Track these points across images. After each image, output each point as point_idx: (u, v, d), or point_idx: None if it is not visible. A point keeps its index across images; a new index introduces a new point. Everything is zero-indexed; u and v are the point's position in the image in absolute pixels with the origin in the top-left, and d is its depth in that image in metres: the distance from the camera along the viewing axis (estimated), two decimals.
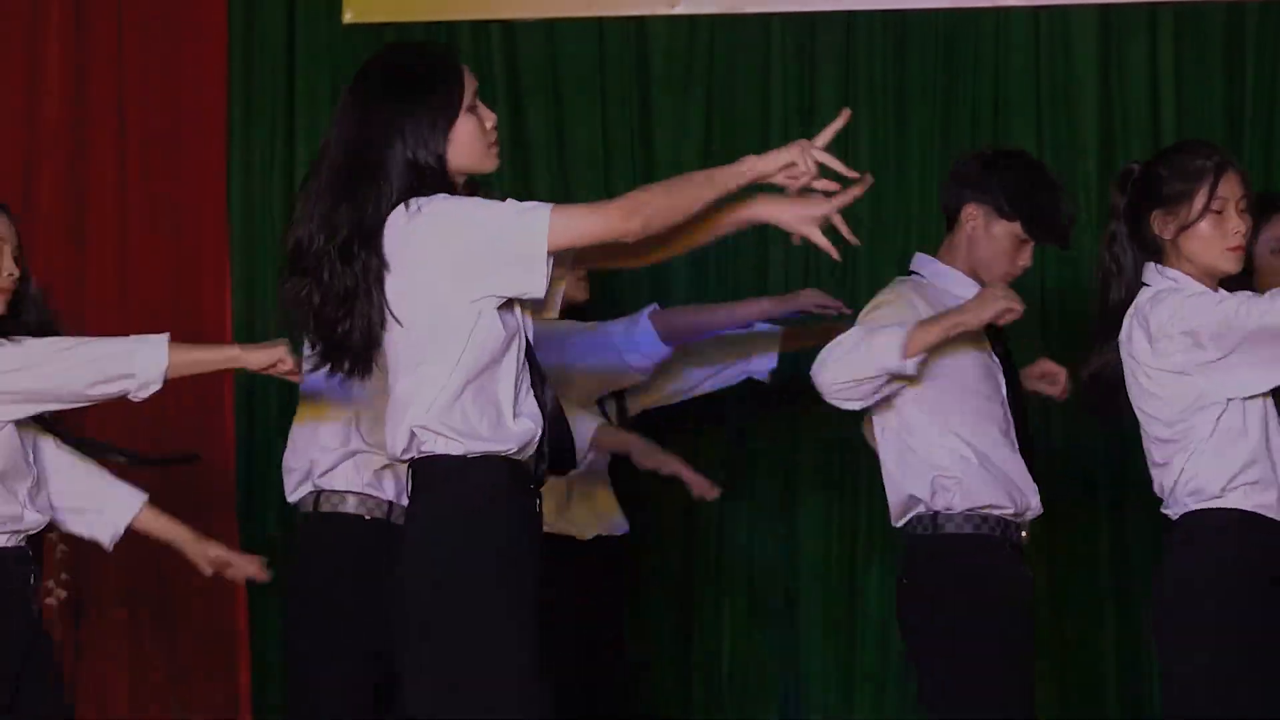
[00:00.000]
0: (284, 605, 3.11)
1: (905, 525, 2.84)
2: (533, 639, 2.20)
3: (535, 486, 2.29)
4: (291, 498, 3.06)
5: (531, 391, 2.29)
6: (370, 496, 2.99)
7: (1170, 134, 3.65)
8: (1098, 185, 3.63)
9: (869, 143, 3.76)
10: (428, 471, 2.22)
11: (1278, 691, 2.41)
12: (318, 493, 3.01)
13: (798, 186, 2.23)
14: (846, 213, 2.25)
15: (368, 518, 2.99)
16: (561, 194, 3.62)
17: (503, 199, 2.16)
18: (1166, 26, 3.75)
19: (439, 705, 2.21)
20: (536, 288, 2.15)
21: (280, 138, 3.78)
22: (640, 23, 3.81)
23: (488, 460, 2.21)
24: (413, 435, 2.18)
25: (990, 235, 2.85)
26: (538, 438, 2.26)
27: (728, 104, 3.87)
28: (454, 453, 2.18)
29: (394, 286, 2.14)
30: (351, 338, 2.19)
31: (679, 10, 3.74)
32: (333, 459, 2.98)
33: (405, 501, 2.39)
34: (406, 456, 2.23)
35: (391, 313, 2.16)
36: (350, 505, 3.01)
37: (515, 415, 2.25)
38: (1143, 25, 3.76)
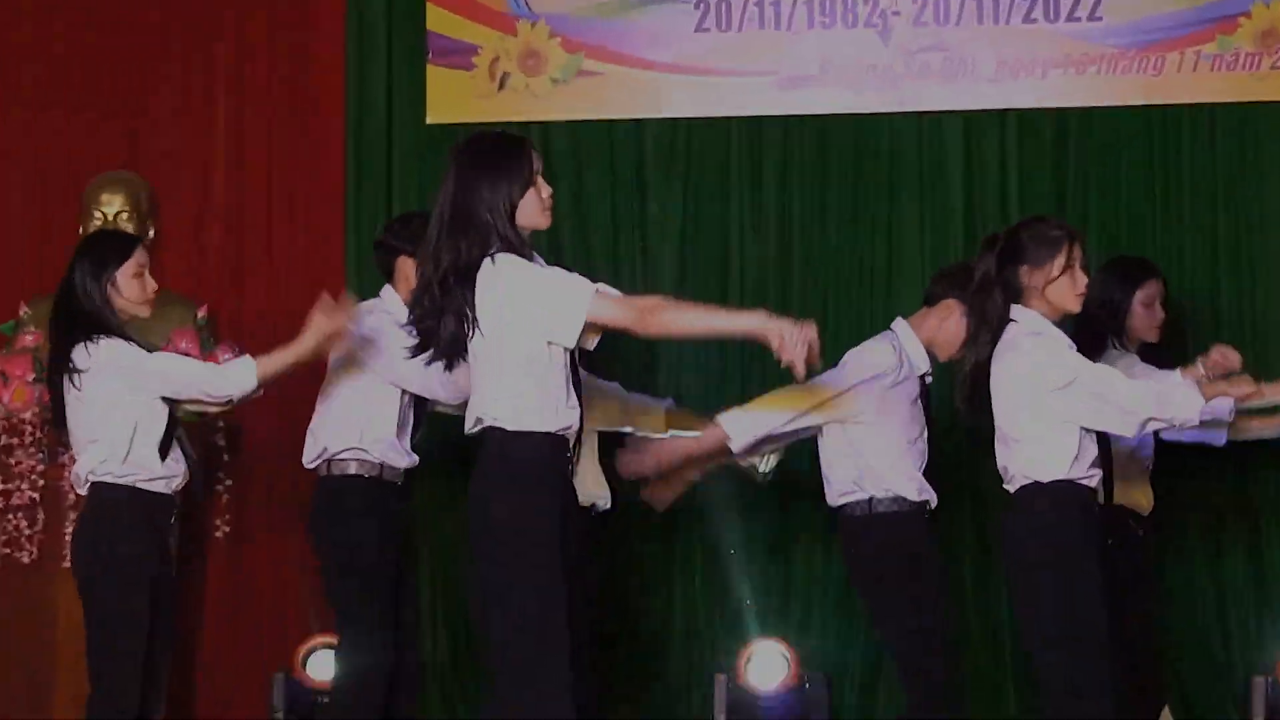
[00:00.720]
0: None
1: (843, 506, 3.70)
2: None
3: (570, 457, 2.88)
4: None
5: (574, 392, 2.84)
6: None
7: (1015, 210, 4.60)
8: (963, 247, 4.59)
9: (800, 217, 4.82)
10: (490, 439, 2.81)
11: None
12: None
13: (783, 359, 2.73)
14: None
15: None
16: (581, 249, 4.75)
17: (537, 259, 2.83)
18: (1012, 129, 4.75)
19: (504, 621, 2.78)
20: (569, 341, 2.75)
21: (381, 206, 4.92)
22: (639, 124, 4.90)
23: (535, 435, 2.79)
24: (479, 420, 2.82)
25: (958, 326, 3.53)
26: (577, 426, 2.85)
27: (701, 182, 4.90)
28: (508, 428, 2.77)
29: (480, 310, 2.74)
30: (443, 338, 2.80)
31: (664, 114, 4.85)
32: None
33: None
34: (474, 430, 2.85)
35: (478, 327, 2.75)
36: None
37: (559, 408, 2.81)
38: (995, 127, 4.76)
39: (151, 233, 4.71)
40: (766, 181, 4.86)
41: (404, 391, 3.67)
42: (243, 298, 4.95)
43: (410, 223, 3.68)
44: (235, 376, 3.43)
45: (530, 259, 2.83)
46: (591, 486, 3.79)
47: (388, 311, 3.66)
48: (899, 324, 3.79)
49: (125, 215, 4.70)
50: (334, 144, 4.97)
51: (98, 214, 4.66)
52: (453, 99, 4.85)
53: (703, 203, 4.91)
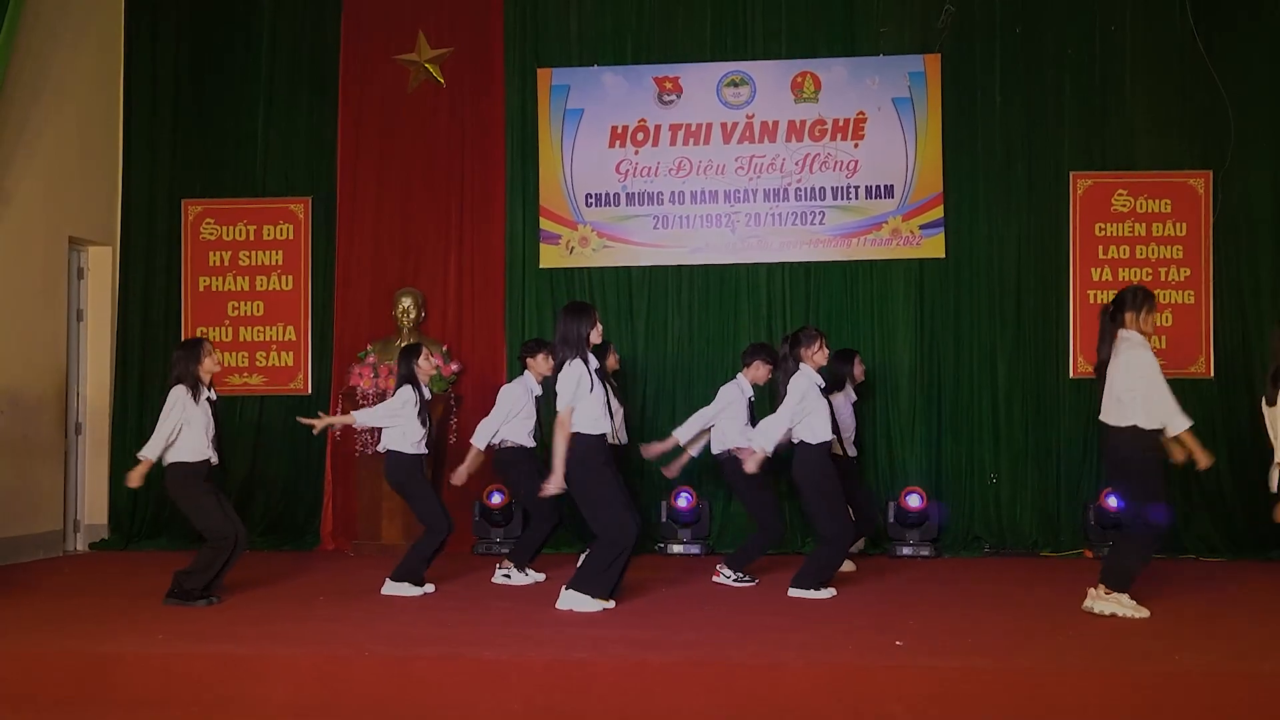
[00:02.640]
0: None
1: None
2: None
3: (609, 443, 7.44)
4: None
5: (608, 411, 7.40)
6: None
7: (789, 314, 10.60)
8: (765, 334, 10.77)
9: (694, 309, 10.81)
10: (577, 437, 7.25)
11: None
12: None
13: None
14: None
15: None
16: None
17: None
18: (787, 271, 10.53)
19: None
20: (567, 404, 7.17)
21: (519, 305, 10.89)
22: (629, 269, 10.75)
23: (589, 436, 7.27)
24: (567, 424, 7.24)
25: (764, 371, 8.81)
26: (611, 428, 7.47)
27: (653, 294, 10.76)
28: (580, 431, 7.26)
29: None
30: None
31: (640, 264, 10.93)
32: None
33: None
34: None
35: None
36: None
37: (599, 419, 7.28)
38: (779, 271, 10.48)
39: (423, 315, 10.88)
40: (682, 296, 10.80)
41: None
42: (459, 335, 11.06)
43: (538, 342, 8.99)
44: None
45: (588, 362, 7.26)
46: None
47: (524, 383, 8.97)
48: (740, 376, 8.85)
49: (412, 308, 10.81)
50: (500, 273, 10.99)
51: (402, 303, 10.80)
52: (550, 257, 10.95)
53: (654, 303, 10.81)
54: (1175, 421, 6.85)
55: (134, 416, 11.02)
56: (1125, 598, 6.89)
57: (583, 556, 8.07)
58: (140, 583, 8.32)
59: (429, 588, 8.17)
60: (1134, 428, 6.82)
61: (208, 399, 7.67)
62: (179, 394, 7.58)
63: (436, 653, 6.09)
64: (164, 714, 5.75)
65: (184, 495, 7.60)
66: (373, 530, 10.26)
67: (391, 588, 8.05)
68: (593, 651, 6.06)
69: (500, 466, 8.91)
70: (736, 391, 8.78)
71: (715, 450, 8.81)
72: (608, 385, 7.94)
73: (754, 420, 8.63)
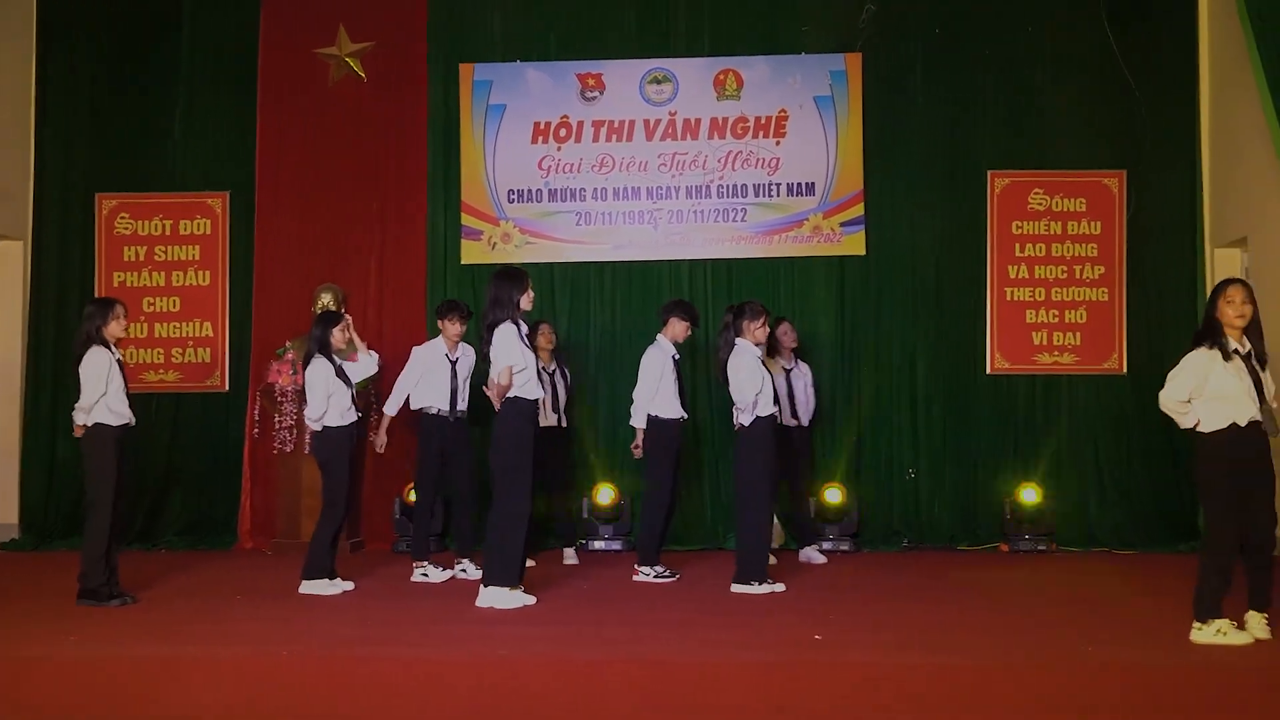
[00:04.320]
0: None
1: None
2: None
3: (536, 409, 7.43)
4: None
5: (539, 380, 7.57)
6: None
7: (712, 301, 10.78)
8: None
9: (615, 300, 10.75)
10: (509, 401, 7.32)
11: None
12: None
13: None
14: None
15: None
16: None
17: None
18: (709, 268, 10.56)
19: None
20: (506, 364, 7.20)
21: (440, 295, 10.94)
22: (552, 265, 10.71)
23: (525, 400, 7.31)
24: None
25: (681, 328, 10.00)
26: (542, 396, 7.68)
27: (576, 287, 10.80)
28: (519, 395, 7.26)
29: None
30: (488, 352, 7.29)
31: (564, 260, 10.92)
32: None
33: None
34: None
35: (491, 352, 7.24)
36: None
37: (534, 385, 7.32)
38: (701, 268, 10.55)
39: (344, 311, 10.81)
40: (605, 293, 10.80)
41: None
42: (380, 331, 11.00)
43: (453, 304, 9.07)
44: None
45: (519, 326, 7.30)
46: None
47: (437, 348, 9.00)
48: (660, 337, 8.67)
49: (331, 304, 10.76)
50: (421, 269, 10.92)
51: (322, 299, 10.74)
52: (472, 253, 10.88)
53: (577, 299, 10.81)
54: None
55: (46, 415, 10.81)
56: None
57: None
58: (52, 583, 8.17)
59: (348, 585, 8.07)
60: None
61: (117, 360, 7.57)
62: (103, 355, 7.46)
63: (357, 652, 6.04)
64: (79, 718, 5.64)
65: (96, 457, 7.46)
66: (292, 528, 10.13)
67: (308, 586, 7.97)
68: (515, 649, 6.04)
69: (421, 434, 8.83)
70: (659, 355, 8.55)
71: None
72: (556, 366, 8.46)
73: (683, 383, 8.61)
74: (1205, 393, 6.12)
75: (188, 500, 10.86)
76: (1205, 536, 6.42)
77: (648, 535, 8.53)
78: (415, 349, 8.97)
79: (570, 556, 9.60)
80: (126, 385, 7.58)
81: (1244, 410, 6.06)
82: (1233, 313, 6.13)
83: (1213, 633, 6.10)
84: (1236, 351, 6.14)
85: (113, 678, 5.82)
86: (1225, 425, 6.08)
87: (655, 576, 8.46)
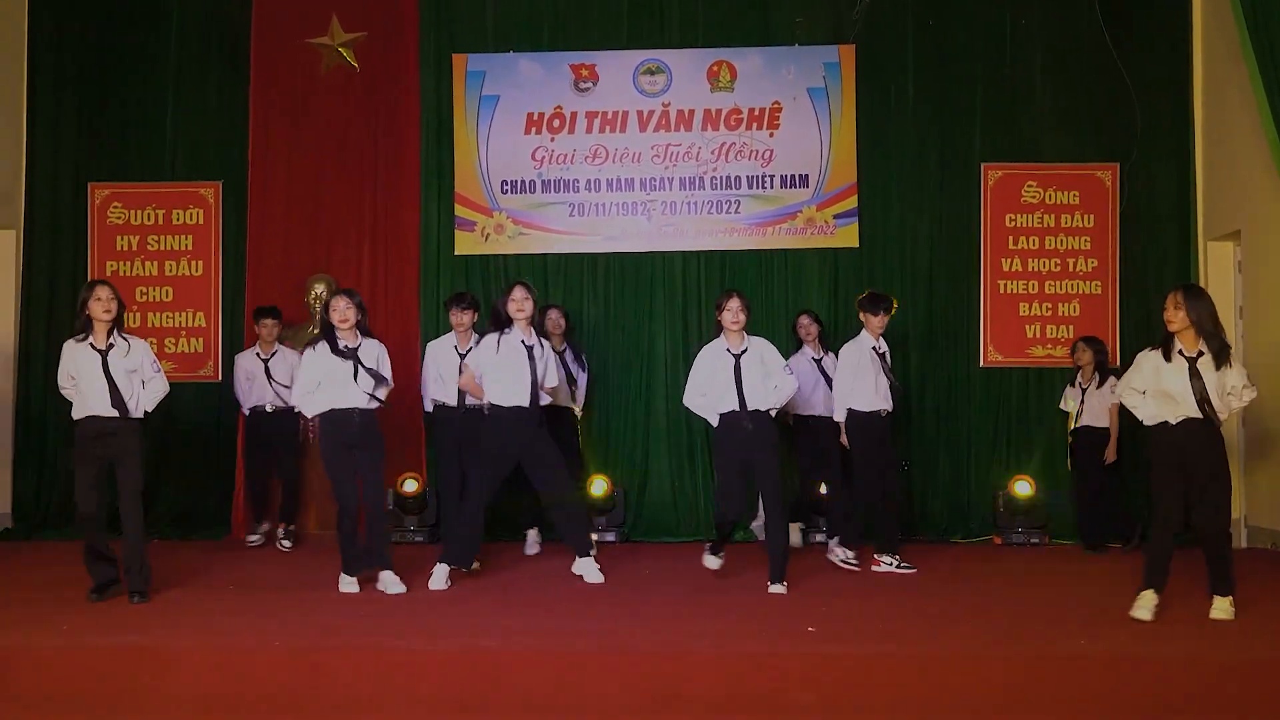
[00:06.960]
0: None
1: None
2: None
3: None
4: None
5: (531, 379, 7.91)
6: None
7: (703, 295, 10.68)
8: (682, 310, 10.74)
9: (607, 292, 10.81)
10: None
11: None
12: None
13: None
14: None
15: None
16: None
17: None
18: (703, 259, 10.61)
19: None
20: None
21: (434, 288, 10.87)
22: (544, 256, 10.68)
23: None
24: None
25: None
26: (528, 398, 7.72)
27: (569, 278, 10.77)
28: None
29: None
30: None
31: (555, 251, 10.91)
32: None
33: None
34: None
35: None
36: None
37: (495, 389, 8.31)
38: (694, 259, 10.58)
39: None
40: (598, 284, 10.76)
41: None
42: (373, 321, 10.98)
43: (460, 295, 9.00)
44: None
45: (504, 333, 7.71)
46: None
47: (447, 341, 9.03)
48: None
49: (325, 294, 10.68)
50: (414, 260, 10.90)
51: (315, 289, 10.69)
52: (465, 244, 10.86)
53: (570, 291, 10.76)
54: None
55: (37, 405, 10.79)
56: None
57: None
58: (44, 573, 8.16)
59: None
60: None
61: (96, 348, 7.03)
62: (66, 347, 7.12)
63: (343, 643, 6.01)
64: (67, 708, 5.63)
65: (74, 457, 7.10)
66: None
67: (346, 584, 7.61)
68: (501, 640, 6.02)
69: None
70: (855, 349, 8.44)
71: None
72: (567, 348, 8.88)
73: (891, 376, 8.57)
74: (1152, 389, 6.49)
75: (181, 490, 10.84)
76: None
77: (889, 526, 8.44)
78: (429, 345, 9.07)
79: (533, 542, 9.52)
80: (111, 378, 7.02)
81: (1178, 408, 6.37)
82: (1166, 318, 6.45)
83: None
84: (1181, 353, 6.41)
85: (102, 668, 5.79)
86: (1158, 421, 6.47)
87: (897, 566, 8.37)
